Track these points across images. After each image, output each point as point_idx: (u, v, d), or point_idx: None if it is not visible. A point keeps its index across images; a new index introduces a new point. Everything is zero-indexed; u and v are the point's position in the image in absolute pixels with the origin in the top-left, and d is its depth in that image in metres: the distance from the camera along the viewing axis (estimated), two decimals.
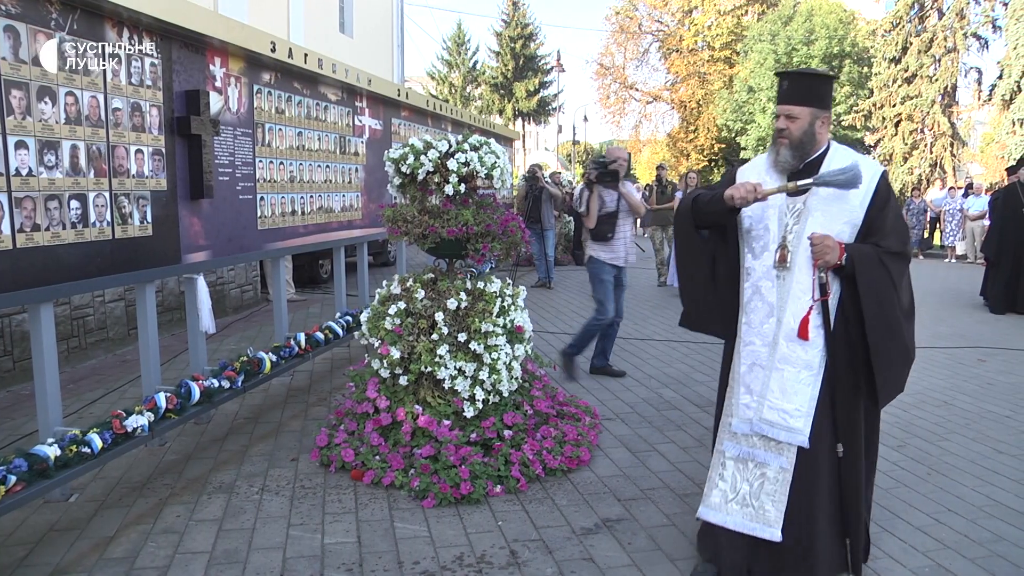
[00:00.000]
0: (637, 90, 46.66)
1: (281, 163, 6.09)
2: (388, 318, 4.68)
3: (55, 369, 4.05)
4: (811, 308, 3.15)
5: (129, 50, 4.31)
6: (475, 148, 4.77)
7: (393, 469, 4.43)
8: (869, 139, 32.37)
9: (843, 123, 32.45)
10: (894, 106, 30.97)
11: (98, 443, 3.96)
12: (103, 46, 4.09)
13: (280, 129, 6.07)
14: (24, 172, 3.63)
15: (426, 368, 4.56)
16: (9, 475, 3.46)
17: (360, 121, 7.57)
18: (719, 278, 3.51)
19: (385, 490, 4.40)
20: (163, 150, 4.63)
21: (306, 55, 6.18)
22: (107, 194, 4.18)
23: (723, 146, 40.97)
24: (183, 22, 4.59)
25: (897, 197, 3.49)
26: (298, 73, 6.25)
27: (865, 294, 3.09)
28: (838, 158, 3.24)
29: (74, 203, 3.95)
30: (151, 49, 4.47)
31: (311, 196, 6.61)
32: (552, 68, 44.49)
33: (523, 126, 46.04)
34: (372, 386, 4.75)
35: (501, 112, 44.50)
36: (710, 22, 42.38)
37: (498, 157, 4.78)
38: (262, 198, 5.84)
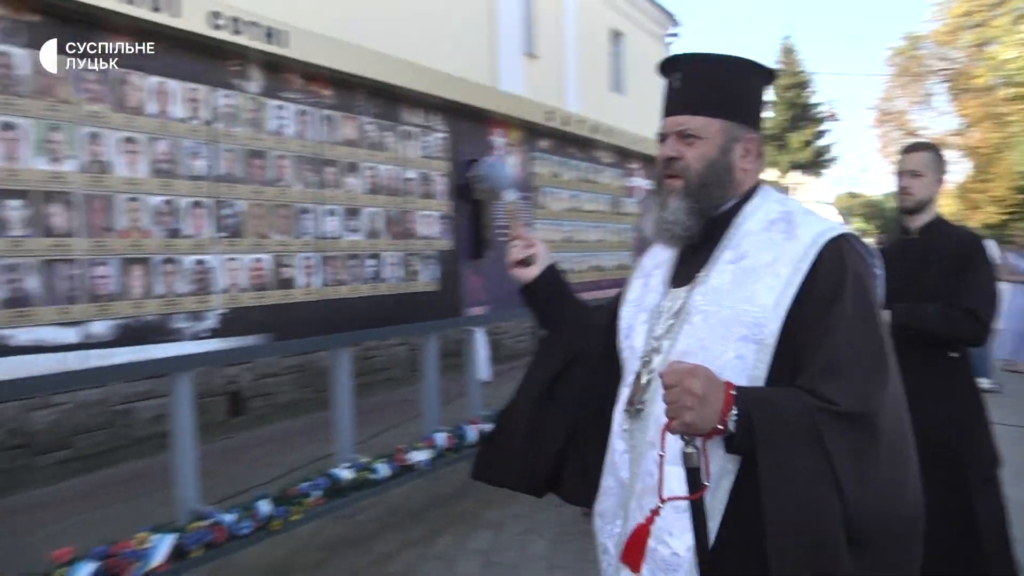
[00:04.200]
0: (921, 136, 43.13)
1: (557, 224, 6.50)
2: None
3: (350, 403, 4.66)
4: (654, 514, 1.58)
5: (421, 127, 4.91)
6: None
7: None
8: None
9: None
10: None
11: (384, 472, 4.49)
12: (398, 126, 4.72)
13: (556, 192, 6.50)
14: (333, 236, 4.28)
15: None
16: (314, 490, 4.07)
17: (632, 182, 7.85)
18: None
19: None
20: (449, 214, 5.18)
21: (579, 122, 6.58)
22: (399, 254, 4.76)
23: None
24: (468, 100, 5.15)
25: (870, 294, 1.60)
26: (572, 139, 6.67)
27: (772, 509, 1.45)
28: (761, 218, 1.73)
29: (370, 261, 4.55)
30: (440, 125, 5.05)
31: (584, 255, 6.96)
32: (826, 118, 42.31)
33: (797, 178, 44.12)
34: None
35: (775, 164, 42.92)
36: (1011, 54, 37.80)
37: None
38: None
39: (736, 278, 1.63)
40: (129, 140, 3.35)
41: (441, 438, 5.01)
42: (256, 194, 3.89)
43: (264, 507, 3.70)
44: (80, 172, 3.19)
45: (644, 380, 1.73)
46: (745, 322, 1.57)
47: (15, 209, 3.00)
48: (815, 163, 44.56)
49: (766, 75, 1.84)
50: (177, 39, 3.50)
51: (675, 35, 24.30)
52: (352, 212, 4.41)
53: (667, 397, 1.46)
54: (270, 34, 3.82)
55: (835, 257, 1.58)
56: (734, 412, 1.45)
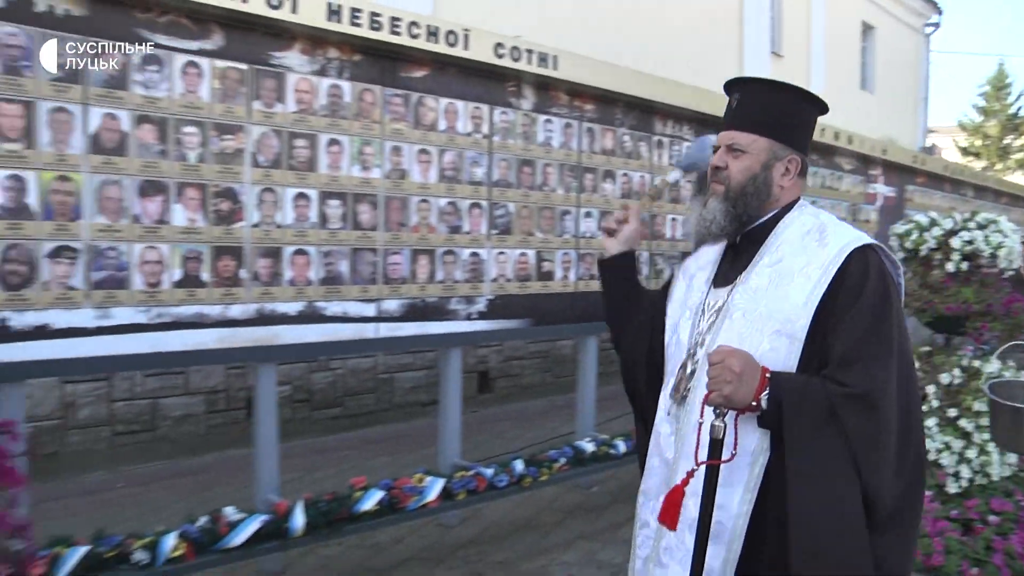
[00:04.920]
0: None
1: None
2: None
3: (594, 385, 5.18)
4: (689, 476, 1.78)
5: (672, 136, 5.32)
6: (981, 227, 4.80)
7: None
8: None
9: None
10: None
11: (622, 448, 4.96)
12: (652, 137, 5.16)
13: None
14: (589, 235, 4.80)
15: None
16: (561, 457, 4.65)
17: (873, 189, 7.74)
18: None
19: None
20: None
21: (823, 129, 6.66)
22: (646, 253, 5.19)
23: None
24: (715, 111, 5.43)
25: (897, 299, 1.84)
26: (814, 146, 6.71)
27: (795, 477, 1.70)
28: (797, 228, 1.91)
29: None
30: (689, 134, 5.42)
31: None
32: None
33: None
34: None
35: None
36: None
37: (1005, 237, 4.74)
38: None
39: (772, 280, 1.84)
40: (423, 152, 4.06)
41: None
42: (524, 197, 4.51)
43: (519, 466, 4.34)
44: (383, 178, 3.93)
45: (690, 369, 1.93)
46: (779, 318, 1.79)
47: (334, 208, 3.78)
48: None
49: (818, 105, 2.00)
50: (465, 67, 4.15)
51: (935, 25, 21.53)
52: (607, 214, 4.91)
53: (710, 372, 1.70)
54: (543, 59, 4.38)
55: (860, 263, 1.78)
56: (766, 392, 1.69)
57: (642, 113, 5.08)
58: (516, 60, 4.26)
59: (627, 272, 2.27)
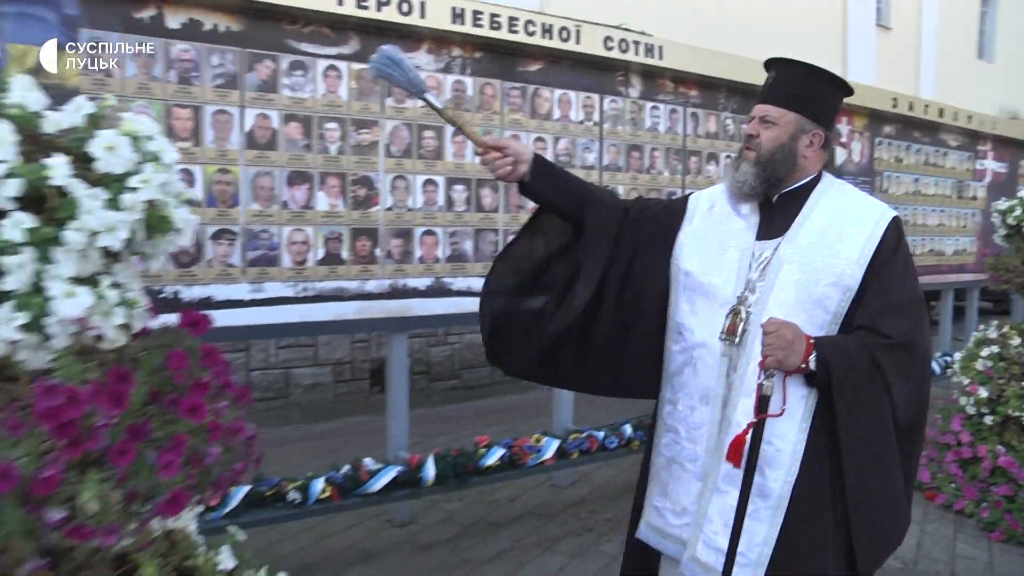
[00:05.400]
0: None
1: (896, 207, 6.68)
2: (980, 360, 5.05)
3: None
4: (750, 426, 2.07)
5: None
6: None
7: (966, 498, 4.83)
8: None
9: None
10: None
11: None
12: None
13: (897, 176, 6.71)
14: None
15: (1013, 412, 4.84)
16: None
17: (982, 165, 7.66)
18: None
19: (953, 515, 4.82)
20: None
21: (926, 106, 6.69)
22: None
23: None
24: None
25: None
26: (918, 123, 6.80)
27: (845, 423, 2.07)
28: (833, 196, 2.24)
29: None
30: None
31: (922, 240, 7.06)
32: None
33: None
34: (957, 421, 5.16)
35: None
36: None
37: None
38: None
39: (822, 238, 2.15)
40: (539, 139, 4.40)
41: None
42: (632, 180, 4.80)
43: (627, 429, 4.67)
44: None
45: (743, 315, 2.17)
46: (834, 271, 2.11)
47: (459, 192, 4.15)
48: None
49: (844, 87, 2.29)
50: (577, 59, 4.46)
51: None
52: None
53: (765, 340, 2.01)
54: (649, 49, 4.65)
55: (894, 229, 2.15)
56: (813, 355, 2.02)
57: (743, 96, 5.28)
58: (624, 51, 4.54)
59: (553, 171, 2.40)
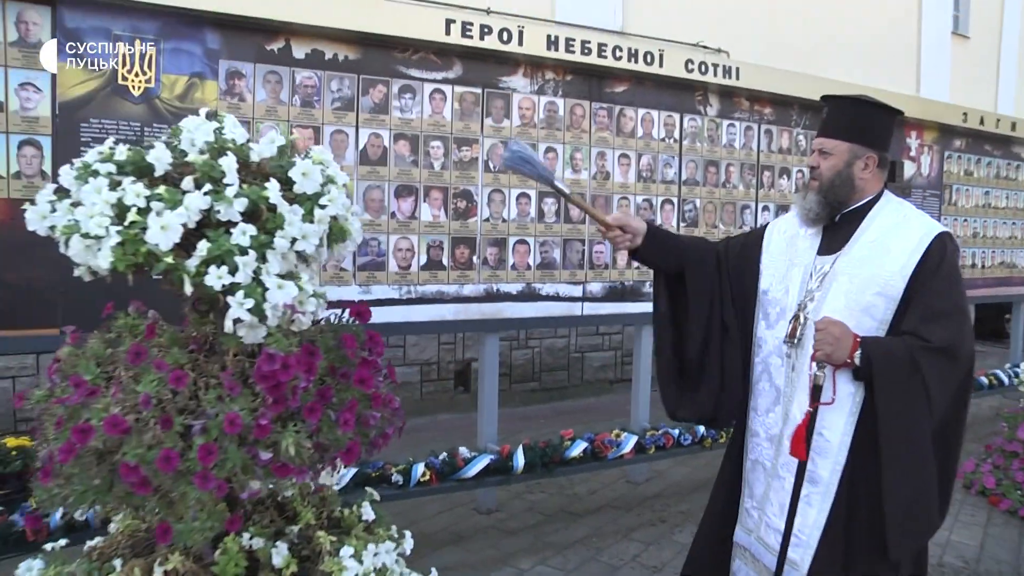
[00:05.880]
0: None
1: (965, 220, 6.86)
2: None
3: None
4: (807, 417, 2.39)
5: None
6: None
7: None
8: None
9: None
10: None
11: None
12: None
13: (967, 189, 6.86)
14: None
15: None
16: None
17: None
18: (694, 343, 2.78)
19: (1019, 520, 4.98)
20: None
21: (998, 120, 6.82)
22: None
23: None
24: None
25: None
26: (989, 136, 6.94)
27: (883, 416, 2.29)
28: (888, 213, 2.49)
29: None
30: None
31: (992, 252, 7.18)
32: None
33: None
34: (1023, 429, 5.32)
35: None
36: None
37: None
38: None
39: (872, 252, 2.41)
40: (623, 156, 4.74)
41: None
42: (709, 194, 5.11)
43: (700, 428, 4.93)
44: (590, 179, 4.63)
45: (802, 319, 2.48)
46: (879, 282, 2.36)
47: (549, 205, 4.52)
48: None
49: (890, 111, 2.53)
50: (659, 81, 4.79)
51: None
52: (783, 208, 5.41)
53: (816, 336, 2.30)
54: (727, 71, 4.95)
55: (939, 244, 2.35)
56: (859, 352, 2.28)
57: (815, 113, 5.53)
58: (703, 73, 4.86)
59: (662, 236, 2.79)
